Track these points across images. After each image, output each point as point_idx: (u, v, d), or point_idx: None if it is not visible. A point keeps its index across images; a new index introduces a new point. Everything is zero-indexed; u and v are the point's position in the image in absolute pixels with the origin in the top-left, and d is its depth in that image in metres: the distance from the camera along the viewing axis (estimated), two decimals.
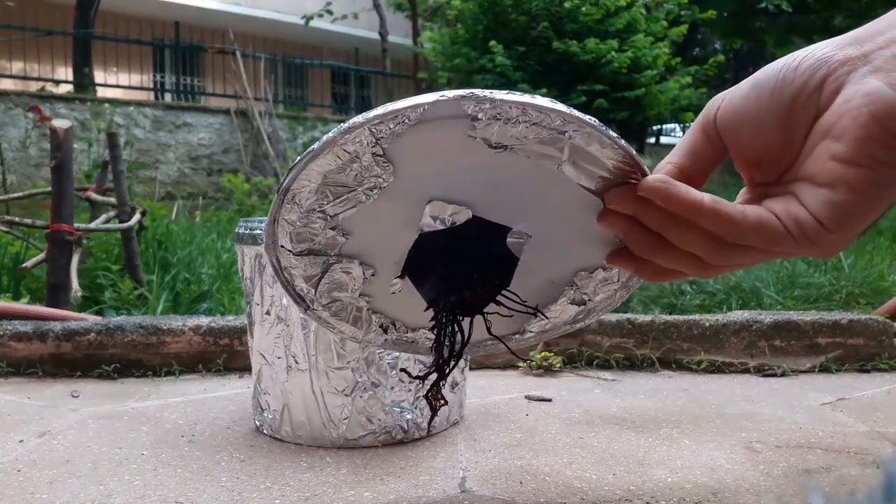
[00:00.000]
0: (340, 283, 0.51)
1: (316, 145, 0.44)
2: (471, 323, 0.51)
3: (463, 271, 0.50)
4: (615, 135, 0.46)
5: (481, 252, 0.50)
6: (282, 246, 0.49)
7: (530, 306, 0.51)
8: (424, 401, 0.78)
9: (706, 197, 0.44)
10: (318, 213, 0.47)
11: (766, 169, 0.45)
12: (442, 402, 0.54)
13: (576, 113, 0.44)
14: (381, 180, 0.46)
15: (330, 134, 0.44)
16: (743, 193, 0.48)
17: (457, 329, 0.51)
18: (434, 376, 0.52)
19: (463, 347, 0.51)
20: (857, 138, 0.39)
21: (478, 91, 0.42)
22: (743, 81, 0.44)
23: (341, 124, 0.44)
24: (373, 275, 0.51)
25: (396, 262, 0.51)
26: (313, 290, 0.51)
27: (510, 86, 4.37)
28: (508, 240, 0.50)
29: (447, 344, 0.51)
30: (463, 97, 0.42)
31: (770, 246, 0.44)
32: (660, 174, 0.46)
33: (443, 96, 0.42)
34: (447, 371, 0.52)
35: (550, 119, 0.44)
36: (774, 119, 0.42)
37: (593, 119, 0.45)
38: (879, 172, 0.40)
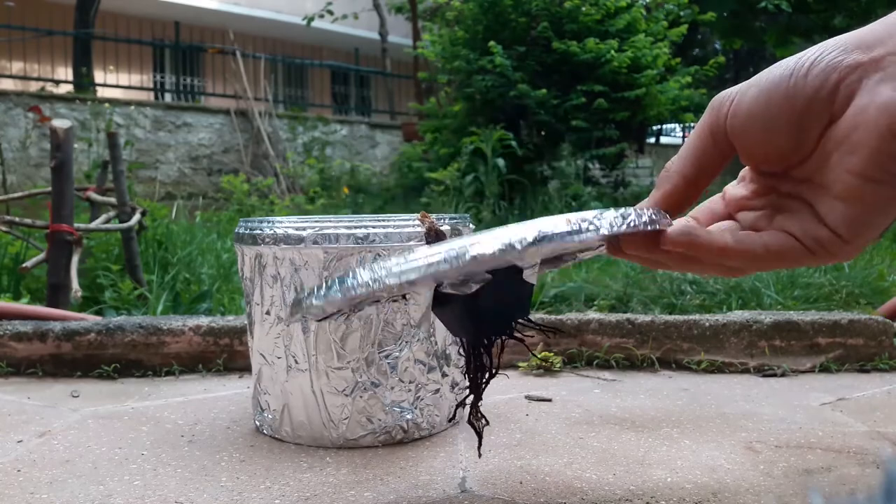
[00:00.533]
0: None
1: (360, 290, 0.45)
2: (501, 345, 0.54)
3: (487, 310, 0.52)
4: (634, 223, 0.44)
5: (500, 286, 0.51)
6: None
7: (548, 328, 0.53)
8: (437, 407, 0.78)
9: (729, 239, 0.45)
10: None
11: (774, 164, 0.45)
12: (484, 422, 0.56)
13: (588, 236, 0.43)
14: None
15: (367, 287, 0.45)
16: (747, 178, 0.49)
17: (486, 360, 0.54)
18: (471, 398, 0.55)
19: (493, 372, 0.54)
20: (874, 152, 0.39)
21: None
22: (748, 84, 0.44)
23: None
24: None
25: None
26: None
27: (510, 86, 4.36)
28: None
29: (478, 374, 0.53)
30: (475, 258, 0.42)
31: (793, 267, 0.46)
32: (682, 223, 0.47)
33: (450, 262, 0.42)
34: (482, 390, 0.54)
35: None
36: (787, 124, 0.42)
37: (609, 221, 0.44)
38: (895, 186, 0.40)
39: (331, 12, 8.21)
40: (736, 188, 0.50)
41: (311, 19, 8.29)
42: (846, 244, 0.43)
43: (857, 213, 0.42)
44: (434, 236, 0.53)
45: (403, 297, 0.54)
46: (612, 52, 4.29)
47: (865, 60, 0.40)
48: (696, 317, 1.19)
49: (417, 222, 0.52)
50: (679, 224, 0.46)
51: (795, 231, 0.44)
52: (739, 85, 0.45)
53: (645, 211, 0.45)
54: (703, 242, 0.45)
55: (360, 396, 0.78)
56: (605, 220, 0.44)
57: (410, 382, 0.80)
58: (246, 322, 0.87)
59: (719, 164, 0.47)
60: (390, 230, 0.77)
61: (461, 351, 0.55)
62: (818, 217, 0.43)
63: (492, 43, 4.31)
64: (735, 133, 0.44)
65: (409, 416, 0.81)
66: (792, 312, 1.24)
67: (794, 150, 0.43)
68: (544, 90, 4.27)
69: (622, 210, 0.44)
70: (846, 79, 0.40)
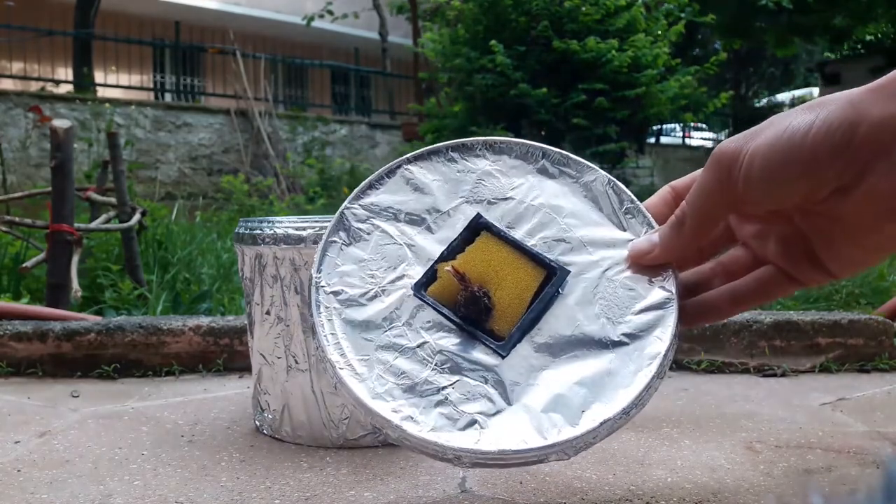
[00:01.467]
0: None
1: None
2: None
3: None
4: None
5: None
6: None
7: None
8: None
9: (730, 306, 0.53)
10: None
11: (782, 212, 0.49)
12: None
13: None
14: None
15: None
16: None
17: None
18: None
19: None
20: (881, 230, 0.44)
21: None
22: (754, 148, 0.45)
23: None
24: None
25: None
26: None
27: (511, 85, 4.36)
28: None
29: None
30: None
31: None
32: (695, 306, 0.53)
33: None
34: None
35: None
36: (794, 196, 0.45)
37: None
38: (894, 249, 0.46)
39: (331, 12, 8.21)
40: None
41: (311, 19, 8.29)
42: (836, 277, 0.48)
43: (855, 266, 0.47)
44: (472, 301, 0.50)
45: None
46: (613, 51, 4.29)
47: (876, 141, 0.41)
48: None
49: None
50: (692, 311, 0.52)
51: (790, 272, 0.50)
52: (745, 144, 0.45)
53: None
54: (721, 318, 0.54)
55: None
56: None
57: None
58: (246, 322, 0.87)
59: (724, 218, 0.50)
60: None
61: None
62: (811, 256, 0.48)
63: (493, 42, 4.31)
64: (747, 195, 0.46)
65: None
66: (792, 312, 1.24)
67: (802, 210, 0.47)
68: (545, 89, 4.27)
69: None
70: (857, 157, 0.41)
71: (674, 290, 0.50)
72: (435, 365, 0.49)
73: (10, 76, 7.67)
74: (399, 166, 0.58)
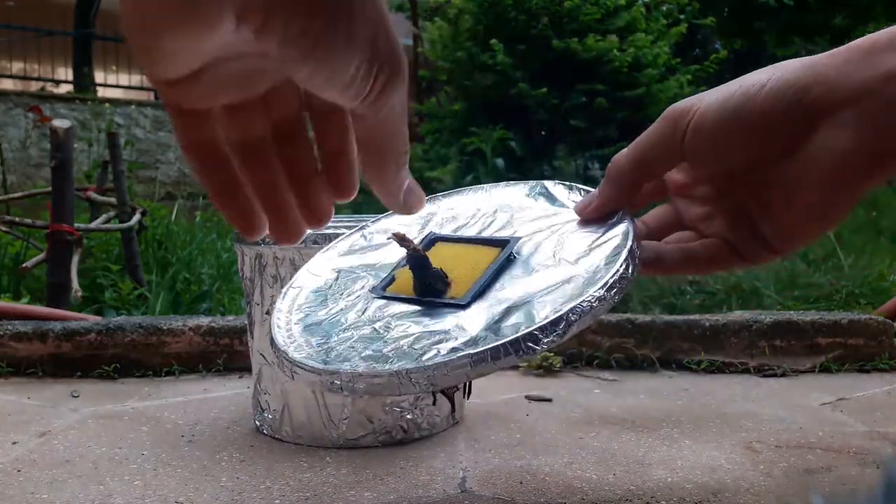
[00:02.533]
0: None
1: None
2: None
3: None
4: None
5: None
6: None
7: None
8: (436, 395, 0.78)
9: (681, 262, 0.51)
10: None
11: (724, 177, 0.49)
12: (453, 388, 0.55)
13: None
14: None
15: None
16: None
17: None
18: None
19: None
20: (820, 199, 0.43)
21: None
22: (706, 105, 0.45)
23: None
24: None
25: None
26: None
27: (510, 85, 4.36)
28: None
29: None
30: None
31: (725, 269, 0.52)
32: (649, 249, 0.51)
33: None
34: None
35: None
36: (742, 156, 0.45)
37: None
38: (835, 222, 0.45)
39: None
40: (677, 174, 0.52)
41: None
42: (779, 254, 0.47)
43: (796, 239, 0.46)
44: (416, 259, 0.51)
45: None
46: (615, 50, 4.29)
47: (825, 102, 0.41)
48: (696, 317, 1.19)
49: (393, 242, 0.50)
50: (649, 252, 0.50)
51: (732, 239, 0.49)
52: (698, 101, 0.45)
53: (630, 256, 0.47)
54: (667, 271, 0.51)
55: (361, 396, 0.78)
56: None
57: None
58: (246, 322, 0.87)
59: (664, 170, 0.49)
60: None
61: None
62: (754, 227, 0.47)
63: (493, 40, 4.31)
64: (692, 151, 0.46)
65: (409, 416, 0.81)
66: (792, 312, 1.24)
67: (743, 171, 0.46)
68: (544, 89, 4.26)
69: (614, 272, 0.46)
70: (806, 118, 0.42)
71: (627, 227, 0.49)
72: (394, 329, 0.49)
73: (10, 76, 7.67)
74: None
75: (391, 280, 0.55)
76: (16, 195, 2.03)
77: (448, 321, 0.48)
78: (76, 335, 1.13)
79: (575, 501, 0.64)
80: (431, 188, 4.12)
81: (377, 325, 0.50)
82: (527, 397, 0.99)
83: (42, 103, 5.74)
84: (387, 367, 0.45)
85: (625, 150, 0.49)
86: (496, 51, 4.29)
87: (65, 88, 7.25)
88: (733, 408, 0.95)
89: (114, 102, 6.55)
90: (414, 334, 0.48)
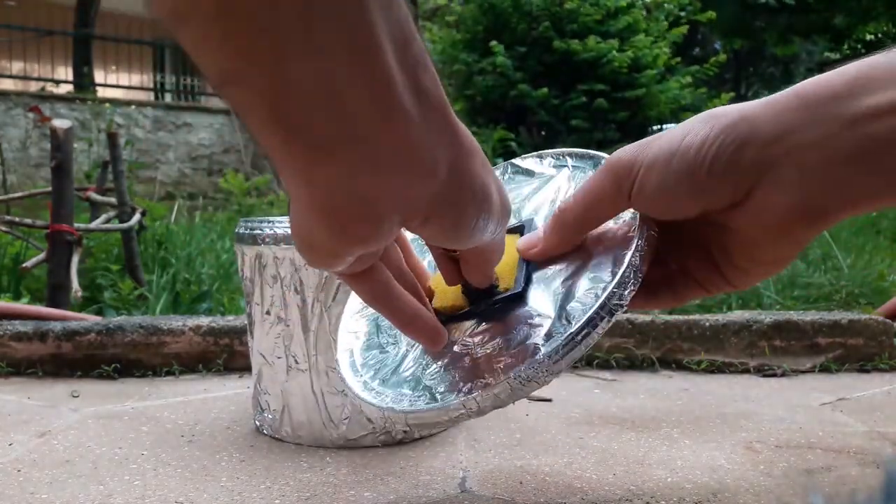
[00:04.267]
0: None
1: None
2: None
3: None
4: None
5: None
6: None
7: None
8: None
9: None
10: None
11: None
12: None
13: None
14: None
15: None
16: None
17: None
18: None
19: None
20: (769, 245, 0.45)
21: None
22: (649, 163, 0.45)
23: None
24: None
25: None
26: None
27: (511, 86, 4.36)
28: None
29: None
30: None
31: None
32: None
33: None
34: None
35: None
36: (686, 211, 0.45)
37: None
38: (784, 265, 0.47)
39: None
40: None
41: None
42: (737, 288, 0.50)
43: (750, 278, 0.48)
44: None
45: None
46: (614, 51, 4.29)
47: (761, 159, 0.42)
48: (696, 317, 1.19)
49: None
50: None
51: (697, 277, 0.50)
52: (640, 154, 0.46)
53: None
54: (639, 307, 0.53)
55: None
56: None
57: None
58: (246, 322, 0.87)
59: (610, 218, 0.49)
60: None
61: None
62: (714, 263, 0.48)
63: (493, 42, 4.31)
64: (639, 206, 0.47)
65: None
66: (792, 312, 1.24)
67: (697, 221, 0.46)
68: (545, 90, 4.27)
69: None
70: (746, 176, 0.42)
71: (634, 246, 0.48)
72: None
73: (10, 76, 7.67)
74: None
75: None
76: (16, 195, 2.03)
77: (516, 316, 0.48)
78: (76, 335, 1.13)
79: (575, 501, 0.64)
80: None
81: (455, 349, 0.49)
82: (527, 397, 0.99)
83: (42, 103, 5.74)
84: (502, 378, 0.44)
85: (571, 202, 0.49)
86: (496, 53, 4.29)
87: (65, 88, 7.25)
88: (733, 408, 0.95)
89: (114, 102, 6.55)
90: (496, 340, 0.47)
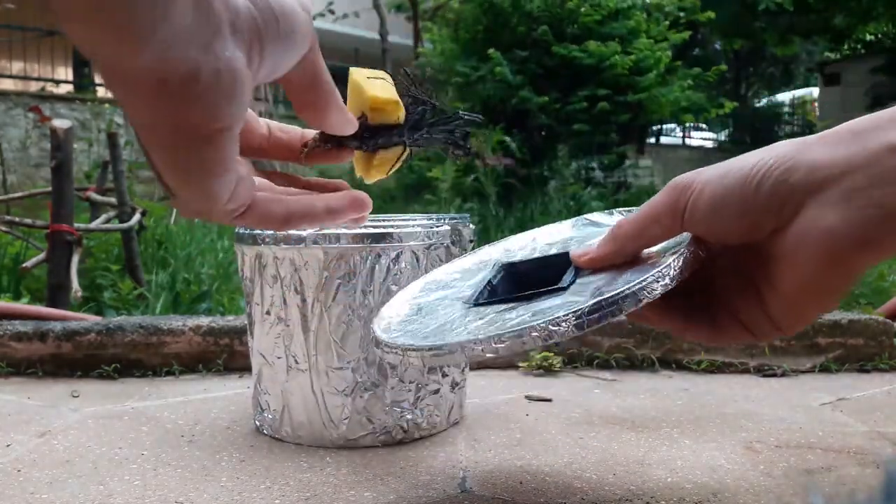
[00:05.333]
0: None
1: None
2: None
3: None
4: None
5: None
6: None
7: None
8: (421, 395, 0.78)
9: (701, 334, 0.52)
10: None
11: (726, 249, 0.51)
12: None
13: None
14: None
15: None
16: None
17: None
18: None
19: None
20: (815, 271, 0.43)
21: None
22: (706, 180, 0.47)
23: None
24: None
25: None
26: None
27: (511, 91, 4.35)
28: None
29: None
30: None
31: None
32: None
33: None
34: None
35: None
36: (738, 228, 0.46)
37: None
38: (835, 298, 0.46)
39: (332, 11, 8.20)
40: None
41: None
42: (784, 332, 0.49)
43: (798, 316, 0.48)
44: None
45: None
46: (616, 55, 4.29)
47: (809, 181, 0.43)
48: None
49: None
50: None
51: (743, 318, 0.50)
52: (699, 175, 0.48)
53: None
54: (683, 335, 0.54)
55: (360, 396, 0.78)
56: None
57: (410, 382, 0.80)
58: (246, 322, 0.87)
59: (663, 239, 0.51)
60: (390, 230, 0.77)
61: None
62: (762, 303, 0.48)
63: (491, 50, 4.31)
64: (690, 226, 0.48)
65: (409, 416, 0.81)
66: None
67: (742, 243, 0.47)
68: (546, 97, 4.26)
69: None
70: (791, 197, 0.43)
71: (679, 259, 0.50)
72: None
73: (10, 76, 7.67)
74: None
75: (485, 289, 0.57)
76: (16, 195, 2.03)
77: (557, 300, 0.50)
78: (76, 335, 1.13)
79: (575, 501, 0.64)
80: (431, 188, 4.12)
81: (488, 318, 0.52)
82: (527, 397, 0.99)
83: (42, 103, 5.74)
84: (525, 328, 0.47)
85: (630, 217, 0.51)
86: (494, 60, 4.28)
87: (65, 88, 7.25)
88: (733, 408, 0.95)
89: (114, 102, 6.54)
90: (526, 315, 0.50)
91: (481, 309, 0.55)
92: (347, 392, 0.78)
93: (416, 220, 0.81)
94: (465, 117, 0.47)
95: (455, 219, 0.84)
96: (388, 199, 5.03)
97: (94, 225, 1.78)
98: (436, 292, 0.62)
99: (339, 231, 0.76)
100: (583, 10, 4.49)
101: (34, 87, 6.91)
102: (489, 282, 0.58)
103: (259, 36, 0.32)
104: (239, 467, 0.74)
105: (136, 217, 1.81)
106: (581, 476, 0.70)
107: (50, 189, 1.53)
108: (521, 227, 3.72)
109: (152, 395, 1.02)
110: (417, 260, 0.79)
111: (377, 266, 0.77)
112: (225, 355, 1.15)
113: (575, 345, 1.17)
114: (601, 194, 4.10)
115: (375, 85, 0.44)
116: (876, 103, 12.08)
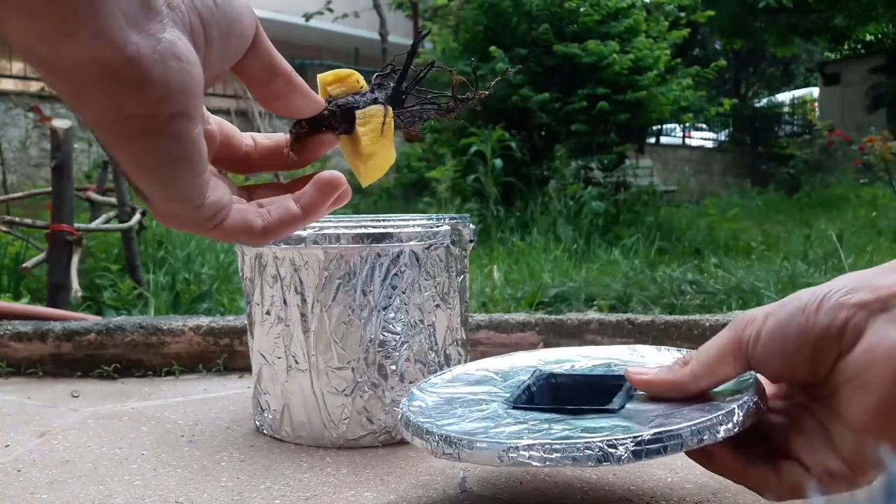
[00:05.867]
0: None
1: None
2: None
3: None
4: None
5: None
6: None
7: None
8: None
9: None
10: None
11: (793, 384, 0.51)
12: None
13: None
14: None
15: None
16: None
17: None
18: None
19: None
20: (885, 392, 0.42)
21: None
22: (766, 313, 0.47)
23: None
24: None
25: None
26: None
27: (511, 89, 4.35)
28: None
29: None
30: None
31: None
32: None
33: None
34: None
35: None
36: (801, 356, 0.46)
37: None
38: None
39: (331, 10, 8.20)
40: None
41: (310, 16, 8.28)
42: (855, 476, 0.46)
43: (870, 447, 0.44)
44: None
45: None
46: (614, 53, 4.29)
47: (871, 300, 0.43)
48: (696, 317, 1.19)
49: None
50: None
51: (808, 462, 0.47)
52: (760, 311, 0.48)
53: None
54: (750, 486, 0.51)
55: (360, 396, 0.78)
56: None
57: (410, 382, 0.80)
58: (246, 322, 0.87)
59: (732, 377, 0.50)
60: (390, 230, 0.77)
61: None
62: (830, 442, 0.46)
63: (493, 48, 4.31)
64: (755, 359, 0.48)
65: None
66: None
67: (809, 377, 0.46)
68: (546, 94, 4.26)
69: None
70: (854, 317, 0.43)
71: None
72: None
73: (10, 76, 7.67)
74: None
75: (523, 394, 0.57)
76: (16, 195, 2.03)
77: (606, 422, 0.50)
78: (76, 335, 1.13)
79: (575, 501, 0.64)
80: (431, 188, 4.12)
81: (529, 424, 0.51)
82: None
83: (42, 103, 5.74)
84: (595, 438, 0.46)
85: (693, 353, 0.51)
86: (495, 58, 4.28)
87: None
88: None
89: None
90: (580, 427, 0.49)
91: (520, 413, 0.54)
92: (347, 392, 0.78)
93: (416, 220, 0.81)
94: (459, 97, 0.44)
95: (455, 219, 0.84)
96: (389, 199, 5.04)
97: (94, 225, 1.78)
98: (469, 386, 0.62)
99: (339, 231, 0.76)
100: (582, 10, 4.49)
101: (34, 87, 6.91)
102: (528, 387, 0.58)
103: (199, 16, 0.31)
104: (239, 467, 0.74)
105: (136, 217, 1.81)
106: (581, 476, 0.70)
107: (50, 189, 1.53)
108: (522, 227, 3.72)
109: (152, 395, 1.02)
110: (417, 260, 0.79)
111: (377, 266, 0.77)
112: (225, 355, 1.15)
113: (575, 345, 1.17)
114: (601, 194, 4.10)
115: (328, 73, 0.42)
116: (876, 103, 12.08)
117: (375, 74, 0.43)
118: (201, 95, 0.32)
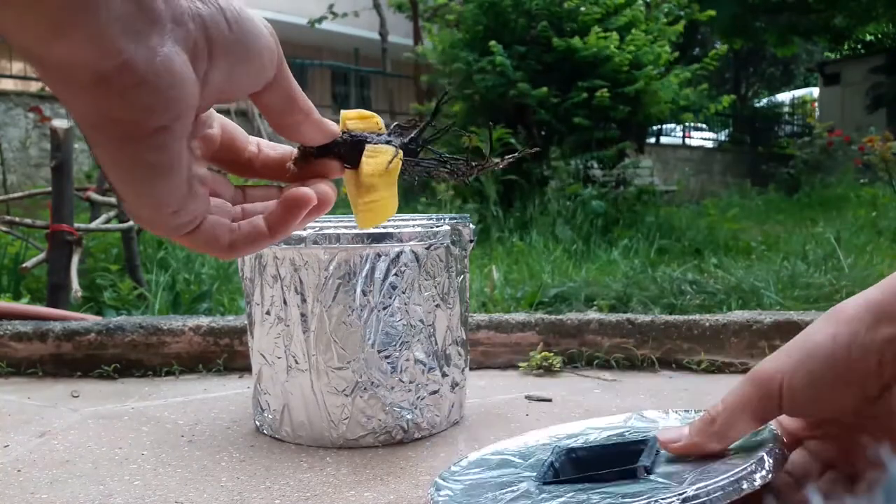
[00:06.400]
0: None
1: None
2: None
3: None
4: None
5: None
6: None
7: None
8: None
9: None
10: None
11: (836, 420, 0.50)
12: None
13: None
14: None
15: None
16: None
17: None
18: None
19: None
20: None
21: None
22: (792, 365, 0.47)
23: None
24: None
25: None
26: None
27: (510, 85, 4.35)
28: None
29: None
30: None
31: None
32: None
33: None
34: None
35: None
36: (845, 400, 0.46)
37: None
38: None
39: (334, 13, 8.21)
40: (791, 421, 0.53)
41: (315, 21, 8.28)
42: None
43: None
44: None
45: None
46: (613, 47, 4.28)
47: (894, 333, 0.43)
48: (696, 317, 1.19)
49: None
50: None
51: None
52: (781, 363, 0.48)
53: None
54: None
55: (360, 396, 0.78)
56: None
57: (410, 382, 0.80)
58: (246, 322, 0.87)
59: (752, 431, 0.51)
60: (390, 230, 0.77)
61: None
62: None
63: (492, 42, 4.31)
64: (792, 409, 0.48)
65: (409, 416, 0.81)
66: (792, 312, 1.24)
67: (856, 412, 0.47)
68: (545, 89, 4.26)
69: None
70: (886, 353, 0.44)
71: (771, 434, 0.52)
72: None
73: (10, 76, 7.67)
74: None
75: (549, 470, 0.57)
76: (16, 195, 2.03)
77: (640, 486, 0.50)
78: (76, 335, 1.13)
79: None
80: (430, 188, 4.12)
81: (567, 497, 0.51)
82: (527, 397, 0.99)
83: (42, 103, 5.73)
84: None
85: (719, 409, 0.51)
86: (495, 52, 4.28)
87: None
88: None
89: None
90: (619, 494, 0.49)
91: (553, 487, 0.54)
92: (347, 392, 0.78)
93: (416, 220, 0.81)
94: (473, 163, 0.44)
95: (455, 219, 0.84)
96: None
97: (94, 225, 1.78)
98: (491, 471, 0.62)
99: (339, 231, 0.76)
100: (582, 8, 4.49)
101: (34, 87, 6.91)
102: (551, 463, 0.59)
103: (206, 35, 0.31)
104: (239, 467, 0.74)
105: None
106: None
107: (50, 189, 1.53)
108: (522, 227, 3.72)
109: (152, 395, 1.02)
110: (417, 260, 0.79)
111: (377, 266, 0.77)
112: (225, 355, 1.15)
113: (575, 344, 1.17)
114: (601, 194, 4.10)
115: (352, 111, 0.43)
116: (876, 103, 12.08)
117: (395, 124, 0.43)
118: (192, 113, 0.32)
